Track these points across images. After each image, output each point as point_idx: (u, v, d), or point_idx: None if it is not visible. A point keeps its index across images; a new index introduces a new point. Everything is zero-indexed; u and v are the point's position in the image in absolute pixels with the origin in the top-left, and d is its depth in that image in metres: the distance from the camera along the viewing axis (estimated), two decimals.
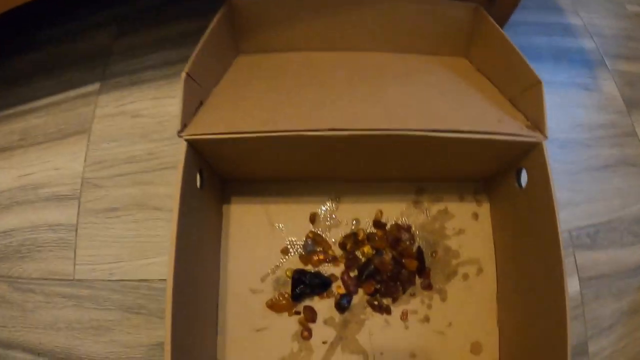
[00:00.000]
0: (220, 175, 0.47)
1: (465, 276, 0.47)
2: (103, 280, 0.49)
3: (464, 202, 0.49)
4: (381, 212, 0.48)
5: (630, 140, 0.60)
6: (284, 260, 0.47)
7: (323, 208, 0.48)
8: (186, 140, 0.37)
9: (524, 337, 0.42)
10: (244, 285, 0.46)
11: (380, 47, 0.51)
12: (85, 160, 0.54)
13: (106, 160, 0.54)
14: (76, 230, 0.51)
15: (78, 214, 0.52)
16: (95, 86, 0.58)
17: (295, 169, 0.46)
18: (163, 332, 0.33)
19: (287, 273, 0.46)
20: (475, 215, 0.49)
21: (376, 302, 0.45)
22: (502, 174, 0.46)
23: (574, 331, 0.51)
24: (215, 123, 0.39)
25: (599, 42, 0.65)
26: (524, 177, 0.42)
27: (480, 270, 0.48)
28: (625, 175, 0.58)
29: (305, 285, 0.44)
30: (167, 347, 0.32)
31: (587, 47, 0.65)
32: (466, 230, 0.48)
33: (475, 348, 0.46)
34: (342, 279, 0.46)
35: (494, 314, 0.47)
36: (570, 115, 0.59)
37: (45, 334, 0.48)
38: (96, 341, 0.47)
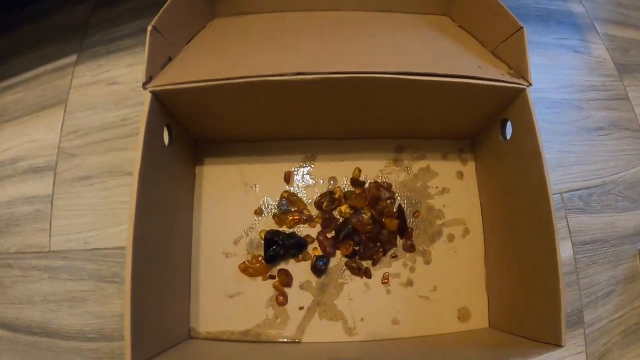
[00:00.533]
0: (192, 136, 0.43)
1: (451, 237, 0.43)
2: (77, 250, 0.46)
3: (447, 161, 0.45)
4: (359, 170, 0.44)
5: (623, 104, 0.56)
6: (258, 221, 0.43)
7: (298, 167, 0.44)
8: (151, 92, 0.34)
9: (515, 303, 0.38)
10: (216, 249, 0.42)
11: (360, 6, 0.47)
12: (61, 131, 0.51)
13: (81, 129, 0.51)
14: (52, 201, 0.48)
15: (54, 184, 0.49)
16: (73, 58, 0.55)
17: (269, 127, 0.42)
18: None
19: (261, 235, 0.41)
20: (460, 174, 0.45)
21: (355, 265, 0.41)
22: (486, 128, 0.42)
23: (568, 298, 0.46)
24: (182, 75, 0.35)
25: (588, 7, 0.61)
26: (509, 131, 0.39)
27: (466, 231, 0.43)
28: (618, 139, 0.54)
29: (279, 245, 0.40)
30: (127, 320, 0.29)
31: (575, 10, 0.60)
32: (450, 189, 0.44)
33: (463, 314, 0.42)
34: (319, 239, 0.41)
35: (482, 277, 0.42)
36: (560, 76, 0.55)
37: (22, 309, 0.45)
38: (71, 313, 0.44)
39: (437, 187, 0.44)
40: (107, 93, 0.52)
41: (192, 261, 0.42)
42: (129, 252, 0.30)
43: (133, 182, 0.31)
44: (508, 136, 0.39)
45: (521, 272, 0.37)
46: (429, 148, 0.45)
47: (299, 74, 0.34)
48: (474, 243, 0.43)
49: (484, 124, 0.42)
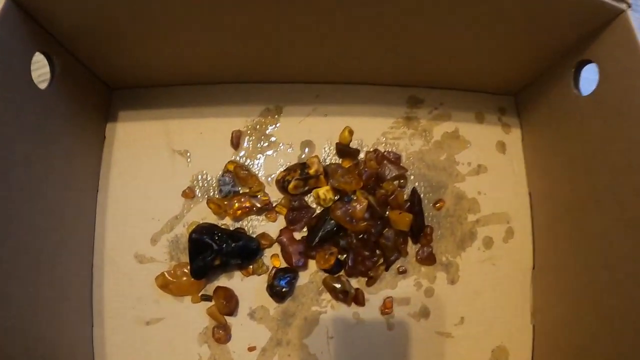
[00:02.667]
0: (99, 77, 0.24)
1: (488, 242, 0.24)
2: None
3: (483, 124, 0.26)
4: (350, 132, 0.24)
5: None
6: (187, 208, 0.23)
7: (254, 124, 0.25)
8: None
9: (581, 344, 0.21)
10: (127, 250, 0.24)
11: None
12: None
13: None
14: None
15: None
16: None
17: (210, 59, 0.22)
18: None
19: (190, 230, 0.22)
20: (502, 146, 0.26)
21: (338, 285, 0.22)
22: (545, 78, 0.23)
23: None
24: None
25: None
26: (586, 81, 0.21)
27: (509, 234, 0.25)
28: None
29: (211, 251, 0.20)
30: None
31: None
32: (489, 167, 0.25)
33: (498, 356, 0.24)
34: (281, 242, 0.22)
35: (527, 302, 0.25)
36: None
37: None
38: None
39: (469, 163, 0.25)
40: None
41: (94, 267, 0.23)
42: None
43: None
44: (584, 89, 0.21)
45: (602, 300, 0.20)
46: (456, 103, 0.25)
47: None
48: (519, 251, 0.25)
49: (543, 70, 0.23)
